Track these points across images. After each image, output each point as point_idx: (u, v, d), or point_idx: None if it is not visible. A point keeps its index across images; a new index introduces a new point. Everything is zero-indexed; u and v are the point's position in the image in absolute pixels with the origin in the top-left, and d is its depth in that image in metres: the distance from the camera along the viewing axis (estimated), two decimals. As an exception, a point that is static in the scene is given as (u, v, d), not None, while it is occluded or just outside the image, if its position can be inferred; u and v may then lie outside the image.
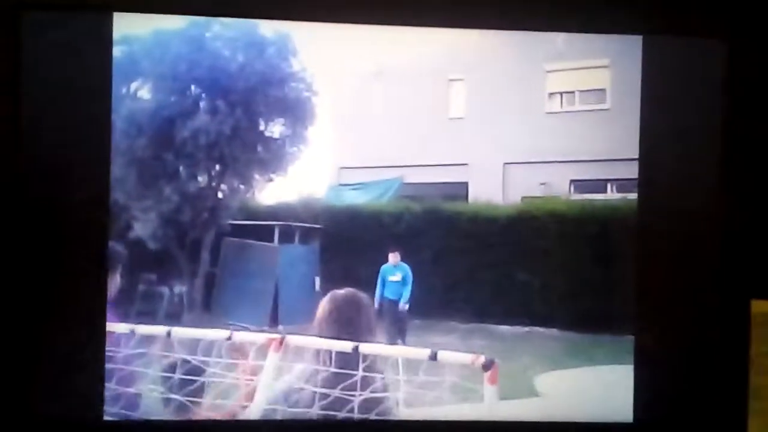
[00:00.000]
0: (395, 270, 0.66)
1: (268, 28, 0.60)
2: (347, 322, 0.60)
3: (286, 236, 0.65)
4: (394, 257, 0.65)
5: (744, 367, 0.62)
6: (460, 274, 0.64)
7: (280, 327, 0.65)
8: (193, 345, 0.60)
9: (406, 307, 0.66)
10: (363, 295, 0.61)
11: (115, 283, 0.59)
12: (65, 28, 0.58)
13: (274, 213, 0.63)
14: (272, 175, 0.63)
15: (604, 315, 0.63)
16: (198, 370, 0.60)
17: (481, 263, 0.64)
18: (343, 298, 0.61)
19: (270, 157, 0.63)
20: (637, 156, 0.62)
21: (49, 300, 0.58)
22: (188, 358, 0.60)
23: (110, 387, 0.58)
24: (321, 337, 0.60)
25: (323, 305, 0.61)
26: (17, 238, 0.58)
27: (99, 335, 0.59)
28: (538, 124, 0.64)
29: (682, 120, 0.62)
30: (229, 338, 0.61)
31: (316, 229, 0.63)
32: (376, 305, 0.65)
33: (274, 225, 0.64)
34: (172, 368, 0.60)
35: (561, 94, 0.65)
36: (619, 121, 0.62)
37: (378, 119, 0.64)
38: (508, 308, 0.64)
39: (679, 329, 0.62)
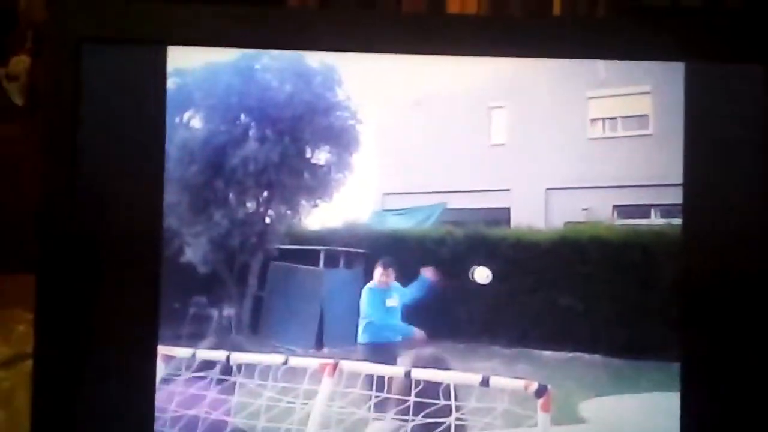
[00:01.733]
0: (391, 292, 0.65)
1: (314, 59, 0.62)
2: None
3: (332, 261, 0.66)
4: (385, 275, 0.64)
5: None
6: (502, 298, 0.64)
7: (325, 350, 0.66)
8: (250, 369, 0.62)
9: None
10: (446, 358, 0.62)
11: (167, 306, 0.61)
12: (123, 60, 0.61)
13: (319, 238, 0.65)
14: (318, 201, 0.65)
15: (648, 341, 0.63)
16: (254, 395, 0.61)
17: (524, 288, 0.64)
18: (426, 359, 0.61)
19: (316, 184, 0.64)
20: (681, 181, 0.62)
21: (103, 323, 0.60)
22: (246, 381, 0.61)
23: (168, 409, 0.60)
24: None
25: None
26: (73, 263, 0.60)
27: (151, 357, 0.60)
28: (581, 150, 0.64)
29: (725, 145, 0.62)
30: (285, 362, 0.62)
31: (360, 254, 0.65)
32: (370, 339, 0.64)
33: (319, 249, 0.66)
34: (231, 391, 0.61)
35: (603, 120, 0.65)
36: (662, 146, 0.62)
37: (421, 146, 0.65)
38: (551, 333, 0.64)
39: (726, 356, 0.61)
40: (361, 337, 0.65)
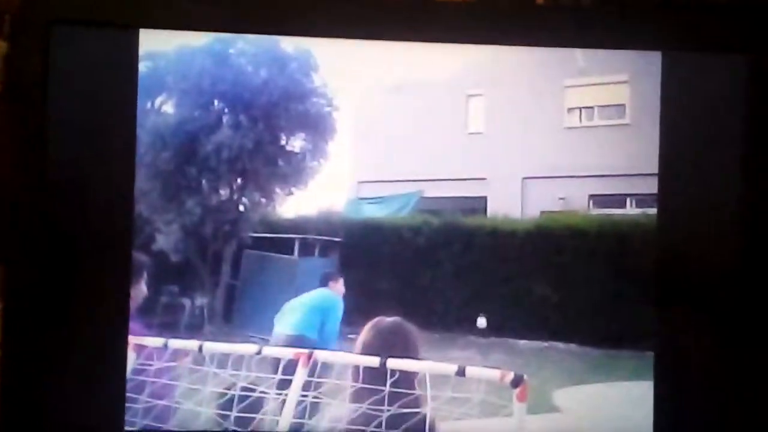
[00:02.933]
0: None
1: (289, 44, 0.61)
2: (395, 352, 0.61)
3: (306, 249, 0.65)
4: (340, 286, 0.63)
5: None
6: (478, 288, 0.64)
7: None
8: (223, 359, 0.61)
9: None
10: (410, 326, 0.61)
11: (137, 294, 0.60)
12: (94, 44, 0.59)
13: (294, 226, 0.64)
14: (293, 189, 0.64)
15: (623, 330, 0.63)
16: (228, 384, 0.61)
17: (500, 277, 0.64)
18: (389, 329, 0.61)
19: (291, 171, 0.63)
20: (656, 171, 0.62)
21: (72, 312, 0.59)
22: (219, 371, 0.61)
23: (139, 399, 0.59)
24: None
25: (366, 332, 0.61)
26: (41, 250, 0.59)
27: (121, 347, 0.59)
28: (557, 139, 0.64)
29: (702, 135, 0.62)
30: (259, 352, 0.61)
31: (335, 243, 0.64)
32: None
33: (294, 238, 0.65)
34: (203, 382, 0.60)
35: (580, 109, 0.65)
36: (639, 136, 0.63)
37: (397, 134, 0.64)
38: (526, 323, 0.64)
39: (700, 345, 0.62)
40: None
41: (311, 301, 0.64)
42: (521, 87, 0.63)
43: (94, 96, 0.60)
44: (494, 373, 0.61)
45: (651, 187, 0.62)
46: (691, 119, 0.62)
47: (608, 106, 0.65)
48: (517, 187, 0.65)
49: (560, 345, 0.64)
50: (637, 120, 0.64)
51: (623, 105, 0.64)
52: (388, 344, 0.61)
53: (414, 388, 0.61)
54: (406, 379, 0.61)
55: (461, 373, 0.61)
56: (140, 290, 0.60)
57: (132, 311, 0.59)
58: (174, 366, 0.61)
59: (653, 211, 0.62)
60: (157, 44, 0.59)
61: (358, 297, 0.62)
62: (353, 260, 0.64)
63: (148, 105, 0.60)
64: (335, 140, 0.63)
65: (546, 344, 0.64)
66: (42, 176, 0.59)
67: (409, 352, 0.61)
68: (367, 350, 0.61)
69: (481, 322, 0.64)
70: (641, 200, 0.63)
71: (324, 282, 0.63)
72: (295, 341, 0.64)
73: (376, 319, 0.62)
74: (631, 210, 0.64)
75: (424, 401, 0.61)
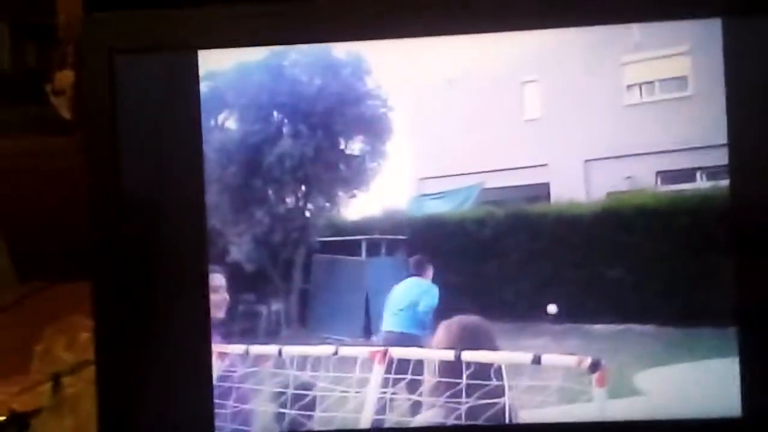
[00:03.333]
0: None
1: (341, 50, 0.62)
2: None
3: (373, 249, 0.66)
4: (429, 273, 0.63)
5: None
6: (548, 275, 0.63)
7: (374, 338, 0.66)
8: (302, 361, 0.63)
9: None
10: (487, 323, 0.62)
11: (217, 305, 0.62)
12: (155, 68, 0.62)
13: (359, 228, 0.65)
14: (355, 191, 0.65)
15: (702, 308, 0.61)
16: (308, 385, 0.63)
17: (569, 263, 0.63)
18: (466, 327, 0.62)
19: (351, 174, 0.65)
20: (725, 141, 0.60)
21: (157, 325, 0.62)
22: (299, 373, 0.63)
23: (227, 405, 0.61)
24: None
25: (443, 332, 0.62)
26: (125, 269, 0.62)
27: (206, 356, 0.62)
28: (618, 118, 0.63)
29: (770, 99, 0.60)
30: (336, 353, 0.63)
31: (400, 241, 0.65)
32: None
33: (360, 239, 0.66)
34: (285, 384, 0.62)
35: (640, 85, 0.63)
36: (704, 107, 0.61)
37: (454, 128, 0.64)
38: (600, 307, 0.63)
39: (785, 317, 0.60)
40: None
41: (409, 294, 0.65)
42: (576, 68, 0.62)
43: (160, 118, 0.63)
44: (571, 360, 0.61)
45: (721, 158, 0.60)
46: (757, 84, 0.60)
47: (669, 79, 0.63)
48: (580, 171, 0.64)
49: (637, 327, 0.63)
50: (701, 91, 0.61)
51: (685, 77, 0.62)
52: (464, 342, 0.62)
53: (491, 379, 0.61)
54: (483, 370, 0.62)
55: (537, 361, 0.61)
56: (224, 299, 0.62)
57: (215, 321, 0.62)
58: (256, 371, 0.63)
59: (725, 182, 0.60)
60: (215, 64, 0.62)
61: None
62: (420, 255, 0.64)
63: (212, 123, 0.63)
64: (393, 140, 0.64)
65: (622, 327, 0.63)
66: (117, 198, 0.63)
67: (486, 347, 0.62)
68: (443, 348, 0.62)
69: (551, 309, 0.63)
70: (712, 173, 0.61)
71: (415, 271, 0.64)
72: (405, 339, 0.65)
73: (452, 319, 0.62)
74: (701, 183, 0.62)
75: (501, 391, 0.61)
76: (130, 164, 0.63)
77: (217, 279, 0.62)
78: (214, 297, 0.62)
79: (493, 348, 0.61)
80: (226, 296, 0.63)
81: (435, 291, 0.63)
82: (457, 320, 0.62)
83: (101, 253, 0.63)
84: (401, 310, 0.64)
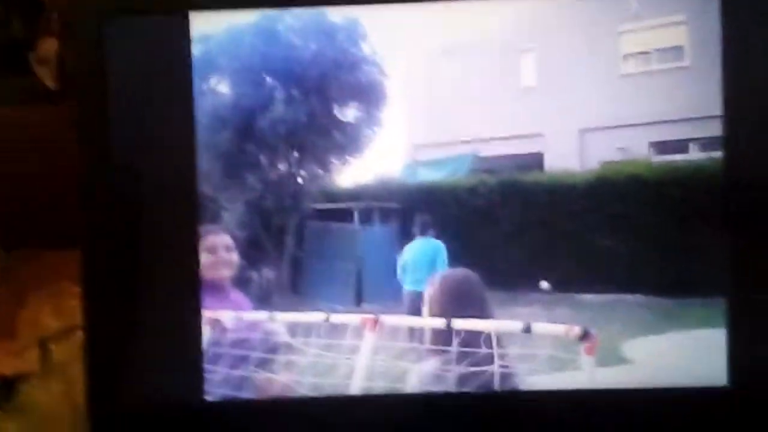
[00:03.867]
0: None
1: (336, 14, 0.61)
2: (463, 304, 0.61)
3: (366, 217, 0.66)
4: None
5: None
6: (540, 244, 0.63)
7: (365, 305, 0.66)
8: (293, 328, 0.63)
9: None
10: (471, 273, 0.62)
11: (208, 270, 0.62)
12: (146, 31, 0.61)
13: (352, 195, 0.65)
14: (349, 158, 0.64)
15: (692, 278, 0.62)
16: (299, 351, 0.63)
17: (561, 232, 0.63)
18: (458, 280, 0.62)
19: (346, 141, 0.64)
20: (720, 113, 0.60)
21: (148, 292, 0.62)
22: (290, 340, 0.62)
23: (217, 370, 0.61)
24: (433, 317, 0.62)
25: (434, 286, 0.62)
26: (115, 235, 0.62)
27: (196, 321, 0.62)
28: (614, 88, 0.62)
29: (766, 72, 0.60)
30: (327, 320, 0.63)
31: (393, 208, 0.65)
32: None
33: (353, 207, 0.66)
34: (275, 350, 0.62)
35: (636, 54, 0.63)
36: (699, 78, 0.60)
37: (449, 95, 0.64)
38: (591, 276, 0.63)
39: (773, 288, 0.60)
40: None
41: (422, 254, 0.65)
42: (573, 37, 0.62)
43: (151, 82, 0.62)
44: (560, 329, 0.61)
45: (714, 130, 0.60)
46: (754, 56, 0.60)
47: (665, 49, 0.63)
48: (575, 140, 0.64)
49: (627, 297, 0.63)
50: (697, 61, 0.61)
51: (681, 47, 0.62)
52: (457, 296, 0.62)
53: (481, 347, 0.62)
54: (473, 338, 0.62)
55: (527, 329, 0.61)
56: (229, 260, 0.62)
57: (204, 286, 0.61)
58: (247, 337, 0.63)
59: (718, 154, 0.60)
60: (207, 26, 0.60)
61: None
62: (412, 223, 0.64)
63: (204, 87, 0.62)
64: (388, 107, 0.63)
65: (613, 297, 0.64)
66: (107, 165, 0.62)
67: (479, 302, 0.62)
68: (436, 304, 0.62)
69: (544, 285, 0.64)
70: (705, 144, 0.61)
71: (421, 232, 0.64)
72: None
73: (441, 275, 0.62)
74: (694, 154, 0.62)
75: (491, 359, 0.62)
76: (120, 130, 0.62)
77: (225, 239, 0.62)
78: (219, 256, 0.62)
79: (484, 300, 0.62)
80: (230, 257, 0.62)
81: (444, 248, 0.63)
82: (448, 273, 0.62)
83: (90, 220, 0.62)
84: (420, 269, 0.64)
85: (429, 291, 0.63)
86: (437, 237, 0.63)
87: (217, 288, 0.62)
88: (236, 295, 0.63)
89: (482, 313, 0.62)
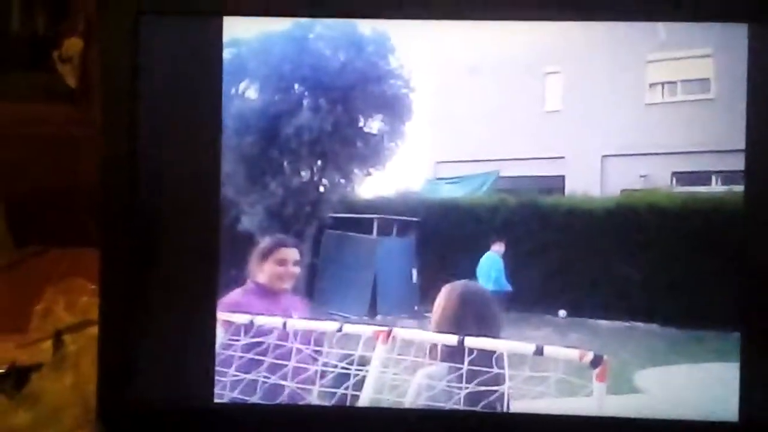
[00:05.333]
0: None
1: (367, 27, 0.62)
2: (470, 316, 0.61)
3: (384, 229, 0.67)
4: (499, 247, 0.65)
5: None
6: (556, 267, 0.64)
7: (379, 317, 0.66)
8: (306, 336, 0.63)
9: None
10: (480, 286, 0.62)
11: (226, 274, 0.62)
12: (180, 33, 0.62)
13: (372, 206, 0.65)
14: (371, 170, 0.65)
15: (707, 311, 0.61)
16: (310, 360, 0.63)
17: (578, 257, 0.63)
18: (471, 292, 0.62)
19: (369, 153, 0.65)
20: (743, 147, 0.60)
21: (164, 291, 0.62)
22: (302, 347, 0.63)
23: (227, 373, 0.62)
24: (440, 332, 0.62)
25: (441, 300, 0.62)
26: (135, 234, 0.62)
27: (210, 323, 0.62)
28: (638, 116, 0.63)
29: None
30: (340, 329, 0.63)
31: (413, 222, 0.65)
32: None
33: (372, 218, 0.66)
34: (287, 357, 0.63)
35: (662, 84, 0.63)
36: (724, 111, 0.61)
37: (474, 114, 0.64)
38: (606, 303, 0.63)
39: (789, 326, 0.60)
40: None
41: (485, 265, 0.65)
42: (600, 63, 0.62)
43: (180, 83, 0.62)
44: (573, 353, 0.61)
45: (737, 163, 0.60)
46: (780, 92, 0.60)
47: (692, 80, 0.63)
48: (597, 165, 0.64)
49: (641, 325, 0.63)
50: (722, 94, 0.62)
51: (707, 79, 0.62)
52: (469, 309, 0.62)
53: (492, 367, 0.62)
54: (484, 357, 0.62)
55: (539, 352, 0.61)
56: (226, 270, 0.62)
57: (220, 290, 0.62)
58: (259, 342, 0.63)
59: (740, 188, 0.60)
60: (240, 31, 0.61)
61: (435, 276, 0.63)
62: (431, 239, 0.65)
63: (232, 91, 0.62)
64: (412, 121, 0.64)
65: (627, 324, 0.63)
66: (131, 163, 0.62)
67: (489, 318, 0.62)
68: (447, 314, 0.62)
69: (562, 313, 0.64)
70: (727, 177, 0.61)
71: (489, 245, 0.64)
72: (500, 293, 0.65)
73: (456, 284, 0.62)
74: (716, 187, 0.62)
75: (502, 379, 0.61)
76: (147, 129, 0.62)
77: (227, 248, 0.62)
78: (222, 265, 0.62)
79: (492, 318, 0.62)
80: (235, 265, 0.63)
81: (499, 261, 0.64)
82: (462, 284, 0.62)
83: (112, 217, 0.63)
84: (482, 277, 0.65)
85: (439, 300, 0.62)
86: (449, 255, 0.63)
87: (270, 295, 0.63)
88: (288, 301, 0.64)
89: (490, 330, 0.62)
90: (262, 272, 0.64)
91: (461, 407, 0.61)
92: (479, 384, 0.61)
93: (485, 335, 0.61)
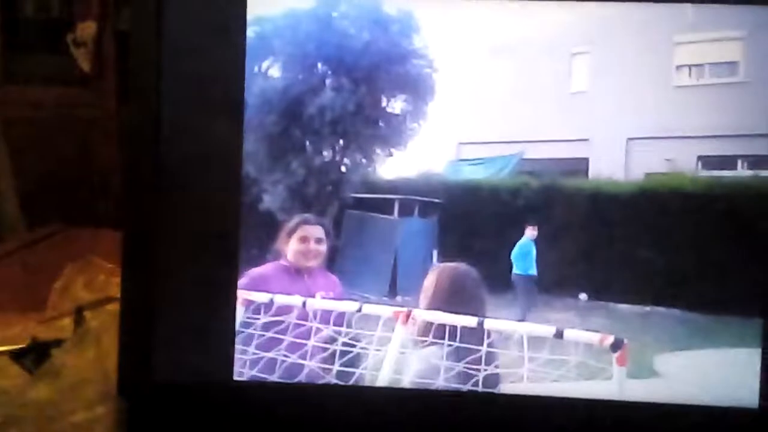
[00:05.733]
0: None
1: (391, 6, 0.62)
2: (457, 297, 0.62)
3: (406, 210, 0.66)
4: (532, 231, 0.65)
5: None
6: (579, 250, 0.63)
7: (399, 298, 0.66)
8: (325, 315, 0.63)
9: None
10: (472, 270, 0.62)
11: (247, 252, 0.62)
12: (203, 9, 0.61)
13: (394, 187, 0.65)
14: (393, 150, 0.65)
15: (730, 296, 0.61)
16: (330, 339, 0.63)
17: (601, 240, 0.63)
18: (457, 274, 0.62)
19: (391, 133, 0.64)
20: (770, 131, 0.59)
21: (185, 269, 0.62)
22: (321, 326, 0.63)
23: (247, 351, 0.62)
24: (430, 309, 0.62)
25: (431, 278, 0.62)
26: (157, 211, 0.62)
27: (231, 301, 0.62)
28: (665, 98, 0.62)
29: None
30: (359, 310, 0.63)
31: (434, 204, 0.65)
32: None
33: (394, 199, 0.66)
34: (306, 336, 0.63)
35: (690, 66, 0.62)
36: (752, 95, 0.60)
37: (498, 94, 0.64)
38: (628, 287, 0.63)
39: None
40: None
41: (519, 250, 0.65)
42: (628, 44, 0.62)
43: (204, 60, 0.62)
44: (593, 336, 0.61)
45: (764, 148, 0.60)
46: (810, 76, 0.59)
47: (720, 63, 0.62)
48: (622, 148, 0.63)
49: (663, 310, 0.63)
50: (751, 78, 0.61)
51: (736, 62, 0.61)
52: (451, 290, 0.62)
53: (511, 349, 0.62)
54: (504, 339, 0.62)
55: (559, 335, 0.61)
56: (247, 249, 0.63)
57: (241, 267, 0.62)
58: (279, 320, 0.63)
59: (766, 173, 0.60)
60: (264, 9, 0.61)
61: (457, 257, 0.63)
62: (453, 221, 0.64)
63: (255, 69, 0.62)
64: (435, 102, 0.63)
65: (648, 309, 0.63)
66: (155, 141, 0.62)
67: (476, 298, 0.62)
68: (431, 293, 0.62)
69: (582, 296, 0.63)
70: (754, 162, 0.61)
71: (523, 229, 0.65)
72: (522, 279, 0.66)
73: (444, 266, 0.62)
74: (742, 172, 0.61)
75: (521, 362, 0.61)
76: (169, 108, 0.62)
77: (249, 226, 0.62)
78: (243, 243, 0.62)
79: (480, 299, 0.62)
80: (256, 243, 0.63)
81: (533, 247, 0.64)
82: (448, 265, 0.62)
83: (135, 195, 0.63)
84: (520, 261, 0.65)
85: (428, 279, 0.62)
86: (470, 237, 0.63)
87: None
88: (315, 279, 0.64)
89: (477, 311, 0.62)
90: (288, 250, 0.64)
91: (480, 389, 0.61)
92: (498, 366, 0.61)
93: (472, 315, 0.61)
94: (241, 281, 0.61)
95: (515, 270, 0.65)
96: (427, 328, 0.62)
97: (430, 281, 0.63)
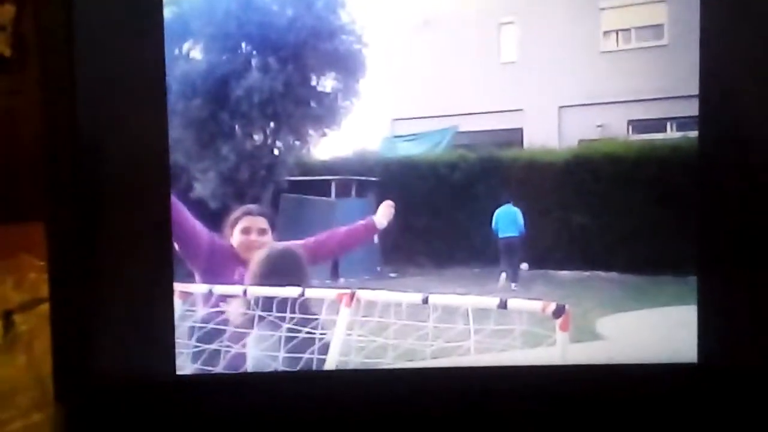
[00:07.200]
0: None
1: (315, -20, 0.60)
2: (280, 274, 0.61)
3: (343, 190, 0.65)
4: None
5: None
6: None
7: (341, 280, 0.66)
8: (267, 302, 0.61)
9: None
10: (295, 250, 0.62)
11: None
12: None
13: (329, 168, 0.64)
14: (326, 130, 0.63)
15: (665, 257, 0.62)
16: (273, 326, 0.61)
17: (539, 209, 0.63)
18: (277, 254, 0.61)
19: (323, 112, 0.63)
20: (697, 92, 0.60)
21: (117, 264, 0.60)
22: (264, 314, 0.61)
23: (189, 344, 0.60)
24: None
25: (257, 258, 0.62)
26: (82, 206, 0.60)
27: (167, 294, 0.60)
28: (594, 65, 0.62)
29: (743, 53, 0.60)
30: (302, 294, 0.62)
31: (371, 182, 0.64)
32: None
33: (330, 179, 0.65)
34: (249, 325, 0.61)
35: (616, 32, 0.63)
36: (678, 57, 0.60)
37: (429, 68, 0.63)
38: (567, 253, 0.64)
39: (743, 268, 0.61)
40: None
41: (507, 215, 0.65)
42: (554, 12, 0.61)
43: (120, 46, 0.59)
44: (536, 305, 0.61)
45: (692, 109, 0.61)
46: (732, 37, 0.60)
47: (645, 27, 0.63)
48: (554, 117, 0.64)
49: (602, 273, 0.64)
50: (676, 40, 0.61)
51: (661, 25, 0.62)
52: (278, 270, 0.62)
53: (457, 323, 0.62)
54: (449, 314, 0.62)
55: (503, 305, 0.61)
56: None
57: (176, 259, 0.60)
58: (220, 311, 0.62)
59: (694, 133, 0.61)
60: (180, -12, 0.58)
61: (397, 234, 0.62)
62: (391, 199, 0.64)
63: (176, 52, 0.59)
64: (366, 78, 0.62)
65: (587, 273, 0.64)
66: (74, 131, 0.59)
67: (298, 276, 0.62)
68: (258, 278, 0.62)
69: (524, 266, 0.64)
70: (682, 123, 0.62)
71: (506, 199, 0.64)
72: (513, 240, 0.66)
73: (267, 249, 0.62)
74: (671, 134, 0.62)
75: (467, 334, 0.62)
76: (87, 97, 0.59)
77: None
78: (251, 239, 0.60)
79: (303, 274, 0.62)
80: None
81: (520, 212, 0.64)
82: (268, 249, 0.62)
83: (56, 189, 0.60)
84: (508, 225, 0.64)
85: (254, 261, 0.62)
86: (408, 214, 0.63)
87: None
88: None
89: (300, 283, 0.62)
90: (233, 240, 0.62)
91: (429, 364, 0.61)
92: (445, 340, 0.62)
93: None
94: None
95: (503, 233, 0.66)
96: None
97: (256, 260, 0.62)
